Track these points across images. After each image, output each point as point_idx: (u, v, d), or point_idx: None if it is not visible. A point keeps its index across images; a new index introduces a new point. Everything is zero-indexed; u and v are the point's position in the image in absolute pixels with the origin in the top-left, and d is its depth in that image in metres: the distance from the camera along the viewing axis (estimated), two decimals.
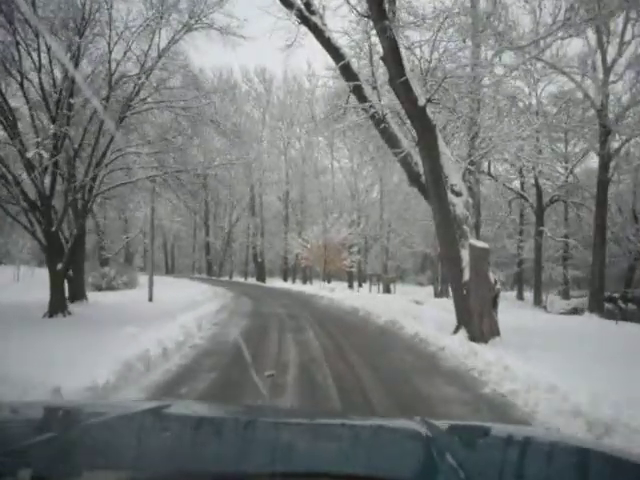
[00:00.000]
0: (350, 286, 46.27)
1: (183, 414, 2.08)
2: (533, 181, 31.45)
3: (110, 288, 29.73)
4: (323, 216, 39.97)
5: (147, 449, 1.55)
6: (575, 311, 26.52)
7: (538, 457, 1.72)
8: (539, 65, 23.34)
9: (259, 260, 49.04)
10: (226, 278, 52.18)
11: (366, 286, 46.06)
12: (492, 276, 12.79)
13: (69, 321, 14.20)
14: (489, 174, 27.59)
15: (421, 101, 12.47)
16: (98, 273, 29.97)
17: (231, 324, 14.21)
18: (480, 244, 12.77)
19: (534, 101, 26.05)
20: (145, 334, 10.03)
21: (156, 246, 64.72)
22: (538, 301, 31.46)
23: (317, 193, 46.98)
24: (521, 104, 19.89)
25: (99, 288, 29.75)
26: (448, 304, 22.74)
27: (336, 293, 26.80)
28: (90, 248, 31.03)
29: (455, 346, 10.31)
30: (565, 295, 34.79)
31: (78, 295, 19.34)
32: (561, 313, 26.00)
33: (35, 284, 23.08)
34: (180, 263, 63.88)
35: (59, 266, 15.61)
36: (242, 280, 48.25)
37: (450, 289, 13.42)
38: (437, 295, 38.87)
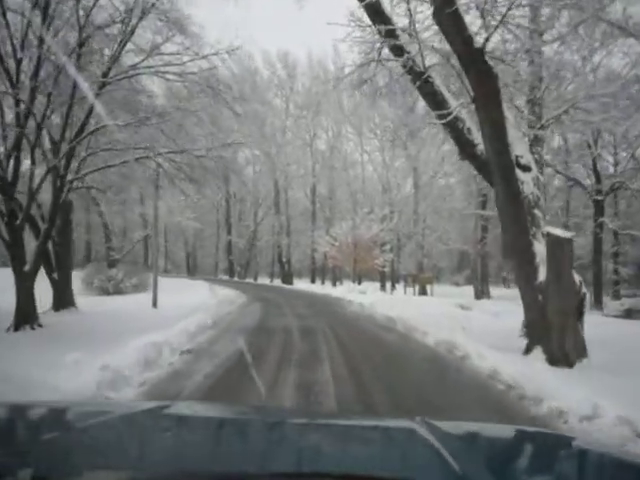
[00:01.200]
0: (382, 287, 42.96)
1: (183, 414, 2.05)
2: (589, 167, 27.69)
3: (118, 292, 27.09)
4: (352, 211, 36.49)
5: (147, 449, 1.54)
6: (629, 313, 23.30)
7: (539, 457, 1.69)
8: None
9: (284, 260, 45.80)
10: (250, 280, 49.31)
11: (400, 287, 42.77)
12: (577, 277, 9.44)
13: (28, 337, 11.29)
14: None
15: (478, 41, 9.23)
16: (104, 276, 27.32)
17: (213, 349, 10.07)
18: (561, 233, 9.42)
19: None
20: (90, 362, 7.04)
21: (177, 246, 62.67)
22: (598, 303, 27.56)
23: (346, 187, 43.74)
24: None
25: (107, 292, 27.19)
26: (496, 307, 19.71)
27: (367, 296, 23.56)
28: (98, 249, 28.48)
29: (540, 381, 6.98)
30: (616, 295, 31.06)
31: (64, 302, 16.58)
32: (615, 316, 22.51)
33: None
34: (203, 263, 61.25)
35: (27, 267, 12.78)
36: (267, 282, 45.00)
37: (520, 294, 10.01)
38: (477, 296, 36.11)
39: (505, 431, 2.15)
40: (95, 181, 18.38)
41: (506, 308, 18.79)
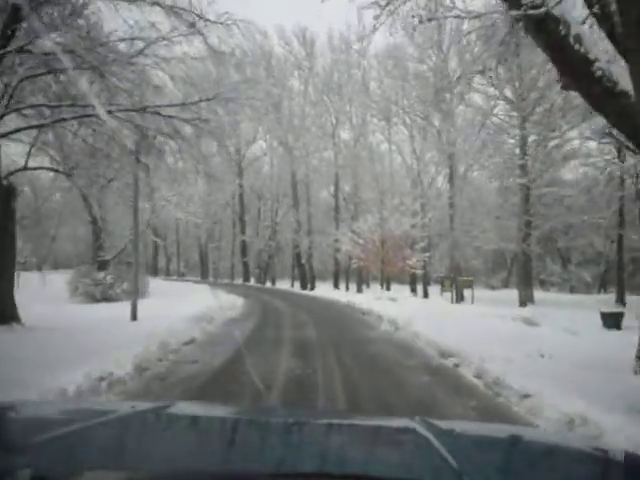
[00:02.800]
0: (413, 291, 38.45)
1: (183, 414, 2.03)
2: None
3: (107, 298, 23.20)
4: (380, 203, 31.64)
5: (147, 449, 1.52)
6: None
7: (539, 458, 1.66)
8: None
9: (303, 262, 41.16)
10: (268, 284, 45.08)
11: (433, 290, 38.27)
12: None
13: None
14: None
15: None
16: (90, 280, 23.45)
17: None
18: None
19: None
20: None
21: (192, 248, 58.89)
22: None
23: (372, 180, 39.21)
24: None
25: (93, 298, 23.36)
26: (563, 318, 15.24)
27: (399, 306, 19.13)
28: (85, 249, 24.65)
29: None
30: None
31: (2, 316, 12.60)
32: None
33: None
34: (220, 266, 57.15)
35: None
36: (286, 287, 40.21)
37: None
38: (522, 302, 31.87)
39: (505, 431, 2.09)
40: (55, 162, 14.55)
41: (574, 318, 14.87)
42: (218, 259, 56.58)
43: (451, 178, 33.93)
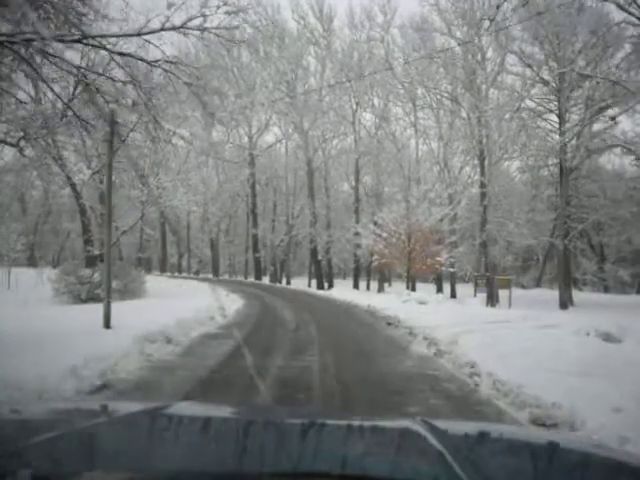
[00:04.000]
0: (439, 291, 35.06)
1: (183, 414, 2.01)
2: None
3: (93, 298, 20.24)
4: (406, 189, 27.80)
5: (147, 449, 1.54)
6: None
7: (538, 458, 1.67)
8: None
9: (319, 259, 37.33)
10: (281, 284, 41.84)
11: (464, 291, 34.83)
12: None
13: None
14: None
15: None
16: (75, 278, 20.53)
17: None
18: None
19: None
20: None
21: (205, 244, 55.78)
22: None
23: (396, 169, 35.93)
24: None
25: (78, 299, 20.49)
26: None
27: (430, 312, 15.71)
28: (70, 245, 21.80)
29: None
30: None
31: None
32: None
33: None
34: (234, 262, 54.08)
35: None
36: (301, 287, 36.38)
37: None
38: (563, 305, 28.29)
39: (505, 431, 2.09)
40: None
41: None
42: (233, 255, 53.50)
43: (482, 166, 30.53)
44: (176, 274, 52.64)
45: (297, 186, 42.77)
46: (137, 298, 22.20)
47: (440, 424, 1.77)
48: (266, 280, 42.99)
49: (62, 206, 42.97)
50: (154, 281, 30.22)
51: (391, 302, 19.07)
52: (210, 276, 48.64)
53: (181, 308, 14.46)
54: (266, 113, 38.01)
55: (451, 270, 28.47)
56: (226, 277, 51.37)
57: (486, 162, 30.31)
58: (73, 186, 21.50)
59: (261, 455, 1.46)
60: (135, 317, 13.81)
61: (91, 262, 22.47)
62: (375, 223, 26.18)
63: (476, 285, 24.16)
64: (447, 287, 36.75)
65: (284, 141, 40.77)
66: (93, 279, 20.78)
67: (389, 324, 14.30)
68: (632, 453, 1.61)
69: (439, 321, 12.01)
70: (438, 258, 24.70)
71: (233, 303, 18.57)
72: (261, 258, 44.19)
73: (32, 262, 42.29)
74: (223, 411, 2.24)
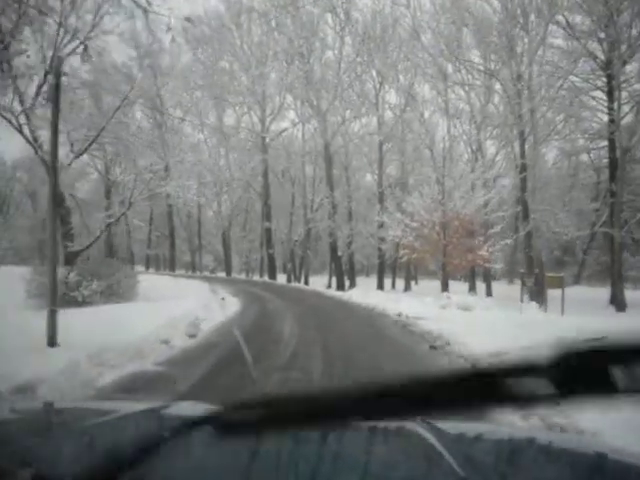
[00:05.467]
0: (471, 289, 31.49)
1: (183, 414, 1.84)
2: None
3: (70, 302, 16.97)
4: (438, 170, 23.62)
5: (147, 449, 1.42)
6: None
7: (540, 458, 1.62)
8: None
9: (339, 255, 33.57)
10: (297, 283, 38.31)
11: (501, 290, 31.24)
12: None
13: None
14: None
15: None
16: (48, 278, 17.25)
17: None
18: None
19: None
20: None
21: (217, 238, 52.58)
22: None
23: (424, 157, 32.35)
24: None
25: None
26: None
27: (480, 322, 11.98)
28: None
29: None
30: None
31: None
32: None
33: None
34: (252, 260, 50.70)
35: None
36: (319, 287, 32.17)
37: None
38: (618, 307, 24.75)
39: (506, 431, 2.00)
40: None
41: None
42: (248, 252, 50.08)
43: (522, 148, 26.89)
44: (190, 273, 49.54)
45: (316, 177, 39.33)
46: (125, 301, 19.00)
47: (441, 424, 1.66)
48: (282, 279, 39.46)
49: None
50: (156, 281, 27.35)
51: (426, 307, 15.18)
52: (224, 275, 45.36)
53: (146, 321, 11.00)
54: (280, 94, 34.67)
55: (495, 267, 24.62)
56: (242, 276, 48.05)
57: (527, 144, 26.77)
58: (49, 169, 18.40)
59: (260, 456, 1.39)
60: (98, 329, 10.55)
61: (70, 260, 19.23)
62: (403, 211, 22.39)
63: (523, 284, 20.33)
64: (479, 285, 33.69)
65: (300, 126, 37.11)
66: (69, 279, 17.55)
67: (432, 347, 9.58)
68: (633, 453, 1.45)
69: (507, 342, 8.19)
70: (480, 252, 20.81)
71: (222, 312, 14.94)
72: (275, 255, 40.53)
73: (43, 260, 39.60)
74: None
